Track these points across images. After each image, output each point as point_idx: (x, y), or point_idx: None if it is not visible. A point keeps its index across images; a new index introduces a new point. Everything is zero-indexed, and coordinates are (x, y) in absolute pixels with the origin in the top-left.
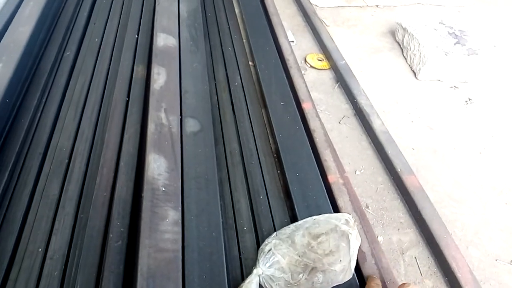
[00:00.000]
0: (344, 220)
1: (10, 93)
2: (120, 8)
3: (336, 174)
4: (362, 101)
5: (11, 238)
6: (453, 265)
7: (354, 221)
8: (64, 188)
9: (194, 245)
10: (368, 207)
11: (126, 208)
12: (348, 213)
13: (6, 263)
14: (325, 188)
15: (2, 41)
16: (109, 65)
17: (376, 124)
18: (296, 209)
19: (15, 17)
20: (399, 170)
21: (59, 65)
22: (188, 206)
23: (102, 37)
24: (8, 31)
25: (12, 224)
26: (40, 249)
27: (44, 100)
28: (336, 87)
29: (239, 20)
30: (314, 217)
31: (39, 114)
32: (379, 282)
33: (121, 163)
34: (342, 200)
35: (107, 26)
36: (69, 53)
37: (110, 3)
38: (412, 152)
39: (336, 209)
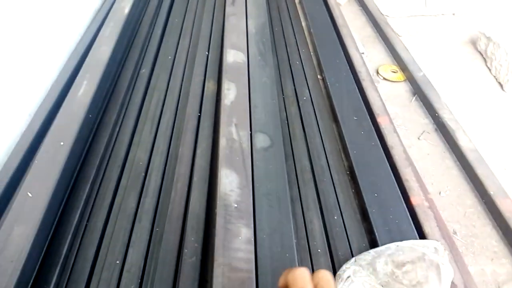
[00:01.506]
0: (433, 248)
1: (93, 109)
2: (191, 27)
3: (420, 195)
4: (445, 115)
5: (92, 248)
6: None
7: (445, 250)
8: (141, 202)
9: (267, 266)
10: (455, 233)
11: (200, 223)
12: (436, 240)
13: (87, 274)
14: (408, 211)
15: (86, 60)
16: (182, 81)
17: (462, 141)
18: (376, 233)
19: (98, 37)
20: (491, 192)
21: (135, 82)
22: (260, 224)
23: (175, 55)
24: (91, 50)
25: (92, 235)
26: (118, 261)
27: (122, 115)
28: (413, 100)
29: (306, 33)
30: (397, 243)
31: (117, 129)
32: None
33: (195, 178)
34: (428, 225)
35: (179, 44)
36: (145, 70)
37: (182, 23)
38: (504, 172)
39: (421, 235)
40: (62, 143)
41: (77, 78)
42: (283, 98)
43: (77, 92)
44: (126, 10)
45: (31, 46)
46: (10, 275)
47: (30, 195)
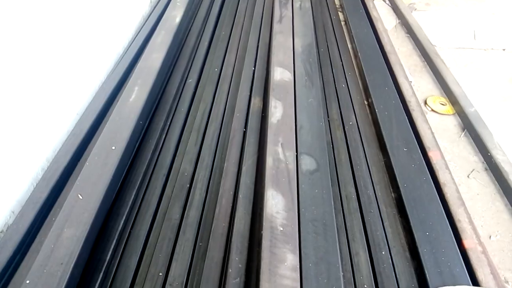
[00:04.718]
0: None
1: (143, 116)
2: (238, 41)
3: (473, 239)
4: (498, 156)
5: (135, 257)
6: None
7: None
8: (185, 213)
9: None
10: (507, 282)
11: (244, 242)
12: None
13: (129, 283)
14: (461, 254)
15: (138, 66)
16: (228, 94)
17: None
18: (427, 275)
19: (149, 44)
20: None
21: (182, 92)
22: (305, 252)
23: (221, 68)
24: (143, 56)
25: (136, 243)
26: (161, 274)
27: (168, 123)
28: (462, 135)
29: (352, 56)
30: (449, 287)
31: (163, 137)
32: None
33: (240, 195)
34: (482, 272)
35: (225, 57)
36: (191, 81)
37: (229, 36)
38: None
39: (474, 282)
40: (113, 147)
41: (129, 83)
42: (328, 121)
43: (128, 97)
44: (178, 19)
45: (79, 47)
46: (60, 277)
47: (80, 197)
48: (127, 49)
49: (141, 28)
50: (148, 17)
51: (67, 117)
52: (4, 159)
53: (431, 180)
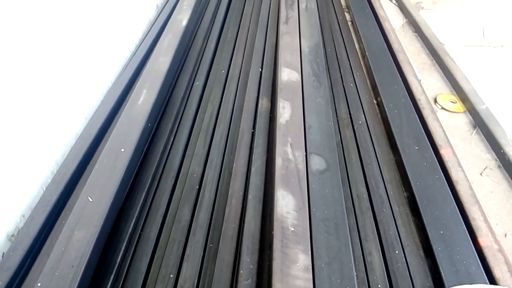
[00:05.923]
0: None
1: (152, 118)
2: (244, 43)
3: (489, 236)
4: (511, 152)
5: (145, 259)
6: None
7: None
8: (195, 215)
9: None
10: None
11: (255, 243)
12: (509, 287)
13: (140, 285)
14: (477, 253)
15: (145, 69)
16: (235, 96)
17: None
18: (442, 273)
19: (156, 48)
20: None
21: (189, 94)
22: (318, 252)
23: (228, 70)
24: (150, 60)
25: (146, 244)
26: (172, 275)
27: (176, 125)
28: (473, 133)
29: (360, 56)
30: (466, 286)
31: (172, 139)
32: None
33: (249, 196)
34: (499, 270)
35: (232, 59)
36: (198, 83)
37: (235, 38)
38: None
39: (492, 280)
40: (123, 150)
41: (137, 86)
42: (337, 120)
43: (137, 100)
44: (184, 23)
45: (87, 52)
46: (71, 280)
47: (90, 199)
48: (135, 53)
49: (148, 32)
50: (155, 21)
51: (76, 121)
52: (13, 163)
53: (443, 178)
